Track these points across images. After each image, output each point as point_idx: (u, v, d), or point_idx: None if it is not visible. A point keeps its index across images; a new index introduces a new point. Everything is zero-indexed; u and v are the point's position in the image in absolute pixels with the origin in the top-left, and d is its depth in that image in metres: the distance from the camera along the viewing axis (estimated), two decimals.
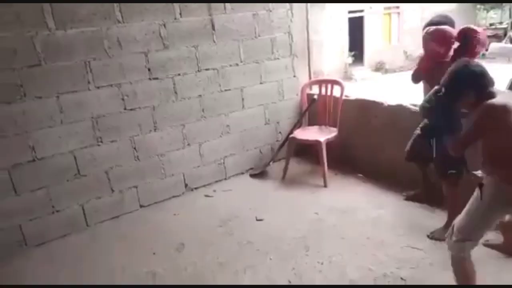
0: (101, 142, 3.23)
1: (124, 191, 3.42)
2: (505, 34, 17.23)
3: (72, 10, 2.95)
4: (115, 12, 3.13)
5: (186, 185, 3.77)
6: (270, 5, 3.98)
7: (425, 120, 2.58)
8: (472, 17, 16.20)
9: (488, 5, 16.11)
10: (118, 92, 3.25)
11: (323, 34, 10.41)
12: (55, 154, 3.06)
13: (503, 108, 1.75)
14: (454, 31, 2.55)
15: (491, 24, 19.41)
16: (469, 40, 2.48)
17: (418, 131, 2.95)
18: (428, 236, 2.76)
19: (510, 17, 17.58)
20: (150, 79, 3.38)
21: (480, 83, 1.83)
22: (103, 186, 3.31)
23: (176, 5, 3.40)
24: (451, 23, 2.70)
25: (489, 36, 17.18)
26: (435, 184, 2.95)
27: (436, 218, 2.93)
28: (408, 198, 3.28)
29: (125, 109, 3.30)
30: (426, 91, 2.81)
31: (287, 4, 4.12)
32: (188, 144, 3.71)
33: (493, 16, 19.14)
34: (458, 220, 1.96)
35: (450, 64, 2.13)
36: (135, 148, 3.41)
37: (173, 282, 2.54)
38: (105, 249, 2.98)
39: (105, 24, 3.10)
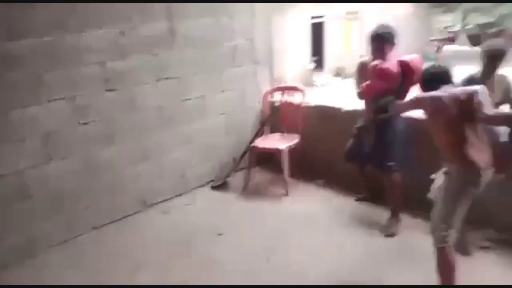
0: (52, 159, 3.04)
1: (75, 212, 3.21)
2: (457, 37, 18.14)
3: (23, 18, 2.77)
4: (69, 21, 2.98)
5: (143, 202, 3.63)
6: (232, 11, 3.94)
7: (361, 121, 3.16)
8: (428, 20, 16.89)
9: (442, 9, 16.86)
10: (72, 105, 3.09)
11: (286, 40, 10.48)
12: (2, 175, 2.83)
13: (429, 98, 2.22)
14: (396, 69, 2.73)
15: (445, 27, 20.35)
16: (405, 73, 2.75)
17: (354, 131, 3.21)
18: (385, 236, 2.94)
19: (462, 20, 18.51)
20: (106, 90, 3.25)
21: (446, 79, 2.28)
22: (54, 207, 3.09)
23: (134, 12, 3.29)
24: (393, 33, 2.92)
25: (443, 39, 18.13)
26: (376, 184, 3.23)
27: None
28: (358, 199, 3.49)
29: (79, 123, 3.15)
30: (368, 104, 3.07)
31: (249, 11, 4.09)
32: (147, 158, 3.58)
33: (447, 19, 20.07)
34: (437, 213, 2.19)
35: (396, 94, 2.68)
36: (88, 165, 3.24)
37: None
38: (57, 277, 2.75)
39: (59, 34, 2.95)
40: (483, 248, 2.62)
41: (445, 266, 2.16)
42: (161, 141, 3.66)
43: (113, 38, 3.22)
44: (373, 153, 3.02)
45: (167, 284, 2.61)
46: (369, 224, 3.11)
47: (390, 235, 2.95)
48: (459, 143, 2.14)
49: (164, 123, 3.65)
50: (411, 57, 2.84)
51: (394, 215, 3.05)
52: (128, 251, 3.02)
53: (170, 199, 3.78)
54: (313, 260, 2.72)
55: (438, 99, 2.17)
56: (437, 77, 2.29)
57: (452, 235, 2.14)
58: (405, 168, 2.98)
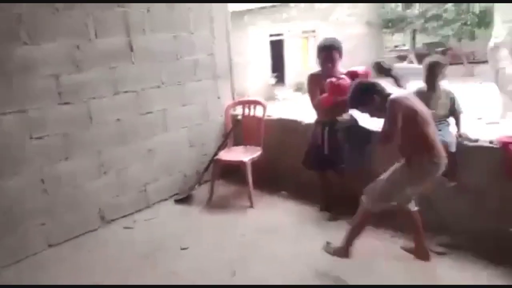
0: (4, 175, 2.88)
1: (29, 230, 3.05)
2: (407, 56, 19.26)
3: None
4: (20, 33, 2.87)
5: (102, 218, 3.49)
6: (192, 27, 3.97)
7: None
8: (380, 40, 17.84)
9: (392, 29, 17.89)
10: (24, 118, 2.95)
11: (247, 56, 10.72)
12: None
13: (405, 98, 2.34)
14: (348, 83, 2.89)
15: (395, 46, 21.58)
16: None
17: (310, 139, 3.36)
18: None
19: (411, 40, 19.71)
20: (61, 104, 3.14)
21: (378, 88, 2.40)
22: (4, 225, 2.91)
23: (90, 25, 3.23)
24: (340, 44, 3.18)
25: (395, 58, 19.13)
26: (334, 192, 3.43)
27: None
28: (321, 209, 3.49)
29: (31, 137, 3.00)
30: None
31: (208, 27, 4.14)
32: (105, 172, 3.47)
33: (397, 39, 21.30)
34: (380, 186, 2.45)
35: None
36: (42, 180, 3.09)
37: None
38: None
39: (9, 46, 2.83)
40: (439, 254, 2.70)
41: (361, 221, 2.54)
42: (120, 155, 3.56)
43: (68, 51, 3.13)
44: (330, 156, 3.18)
45: None
46: (334, 234, 3.00)
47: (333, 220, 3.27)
48: (428, 135, 2.33)
49: (124, 137, 3.56)
50: (359, 68, 3.07)
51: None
52: (89, 268, 2.89)
53: (131, 214, 3.67)
54: (280, 272, 2.69)
55: (406, 97, 2.35)
56: (365, 90, 2.43)
57: (381, 208, 2.48)
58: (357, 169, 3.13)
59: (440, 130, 2.70)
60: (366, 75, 3.00)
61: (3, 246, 2.92)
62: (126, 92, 3.53)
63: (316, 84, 3.20)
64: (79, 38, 3.19)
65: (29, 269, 2.92)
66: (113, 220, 3.55)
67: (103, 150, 3.44)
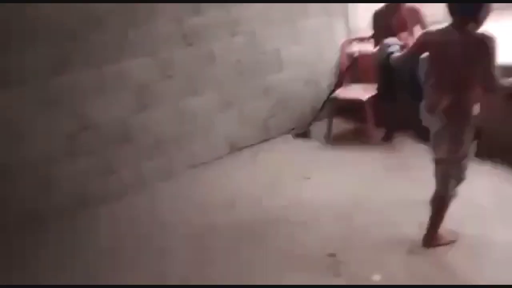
0: (145, 108, 3.28)
1: (173, 153, 3.49)
2: None
3: None
4: None
5: (231, 145, 3.77)
6: None
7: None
8: None
9: None
10: (155, 60, 3.24)
11: None
12: (104, 121, 3.14)
13: (431, 31, 2.09)
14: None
15: None
16: None
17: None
18: None
19: None
20: (186, 45, 3.35)
21: None
22: (154, 149, 3.39)
23: None
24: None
25: None
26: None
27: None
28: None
29: (167, 76, 3.32)
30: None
31: None
32: (229, 107, 3.69)
33: None
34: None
35: None
36: (178, 113, 3.44)
37: (232, 234, 2.58)
38: (160, 207, 3.08)
39: None
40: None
41: None
42: (241, 92, 3.73)
43: None
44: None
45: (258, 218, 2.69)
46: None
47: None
48: None
49: (242, 76, 3.70)
50: None
51: None
52: (223, 188, 3.20)
53: (253, 145, 3.87)
54: (408, 213, 2.48)
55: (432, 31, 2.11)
56: None
57: None
58: None
59: None
60: None
61: (153, 166, 3.41)
62: (241, 33, 3.60)
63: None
64: None
65: (175, 185, 3.37)
66: (238, 150, 3.81)
67: (225, 87, 3.64)
